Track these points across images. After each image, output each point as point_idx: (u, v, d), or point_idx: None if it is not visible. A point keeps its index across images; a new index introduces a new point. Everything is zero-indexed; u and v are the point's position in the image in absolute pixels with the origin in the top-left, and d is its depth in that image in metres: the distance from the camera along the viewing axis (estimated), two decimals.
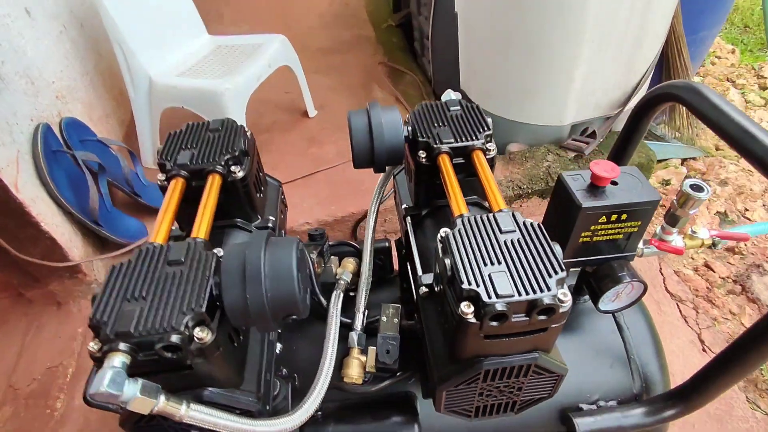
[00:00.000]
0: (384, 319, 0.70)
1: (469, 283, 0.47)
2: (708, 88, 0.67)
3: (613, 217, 0.66)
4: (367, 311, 0.77)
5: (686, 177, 2.12)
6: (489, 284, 0.47)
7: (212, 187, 0.62)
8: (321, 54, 2.41)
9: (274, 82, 1.68)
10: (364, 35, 2.51)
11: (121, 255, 1.39)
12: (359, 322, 0.75)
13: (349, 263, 0.88)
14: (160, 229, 0.55)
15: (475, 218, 0.53)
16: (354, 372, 0.71)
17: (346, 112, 2.04)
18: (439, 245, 0.54)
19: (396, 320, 0.70)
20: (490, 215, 0.54)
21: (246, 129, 0.72)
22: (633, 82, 1.63)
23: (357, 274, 0.87)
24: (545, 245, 0.50)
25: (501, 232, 0.52)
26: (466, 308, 0.47)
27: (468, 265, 0.49)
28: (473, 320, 0.47)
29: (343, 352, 0.72)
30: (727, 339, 1.40)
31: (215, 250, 0.52)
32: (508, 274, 0.48)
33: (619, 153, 0.86)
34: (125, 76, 1.53)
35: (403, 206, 0.75)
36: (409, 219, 0.74)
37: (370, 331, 0.77)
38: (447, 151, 0.65)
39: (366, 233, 0.82)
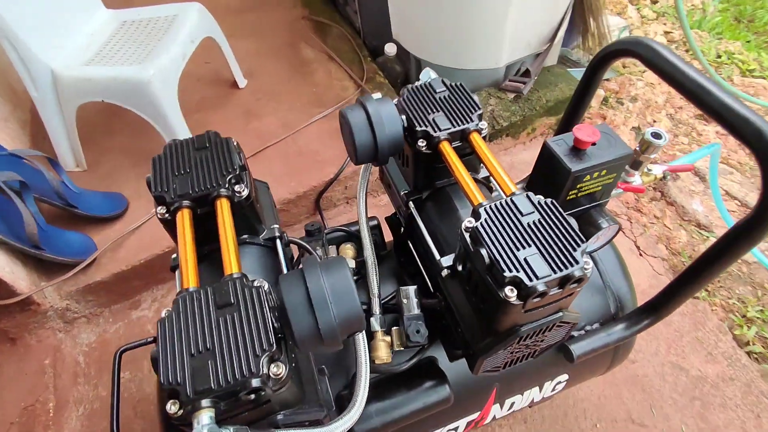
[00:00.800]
0: (405, 301, 0.74)
1: (510, 270, 0.52)
2: (659, 43, 0.74)
3: (595, 174, 0.73)
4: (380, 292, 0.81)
5: (603, 99, 2.31)
6: (528, 268, 0.52)
7: (225, 214, 0.59)
8: (233, 14, 2.19)
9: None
10: None
11: (75, 275, 1.28)
12: (377, 306, 0.79)
13: (349, 249, 0.90)
14: (189, 273, 0.53)
15: (496, 206, 0.57)
16: (383, 353, 0.75)
17: (278, 77, 1.92)
18: (466, 235, 0.58)
19: (416, 300, 0.74)
20: (508, 200, 0.58)
21: (233, 139, 0.68)
22: (558, 17, 1.70)
23: (356, 258, 0.90)
24: (563, 221, 0.56)
25: (522, 215, 0.57)
26: (510, 292, 0.52)
27: (504, 253, 0.53)
28: (516, 302, 0.52)
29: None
30: (656, 241, 1.63)
31: (255, 283, 0.52)
32: (541, 256, 0.53)
33: (577, 106, 0.93)
34: (21, 73, 1.31)
35: (403, 192, 0.77)
36: (412, 204, 0.76)
37: (386, 310, 0.81)
38: (446, 138, 0.67)
39: (360, 223, 0.83)
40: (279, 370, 0.47)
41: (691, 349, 1.35)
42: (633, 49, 0.77)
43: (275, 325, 0.49)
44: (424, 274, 0.78)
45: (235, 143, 0.68)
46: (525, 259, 0.53)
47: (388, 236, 0.97)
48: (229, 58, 1.77)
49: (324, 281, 0.49)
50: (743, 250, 0.70)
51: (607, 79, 2.43)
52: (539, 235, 0.55)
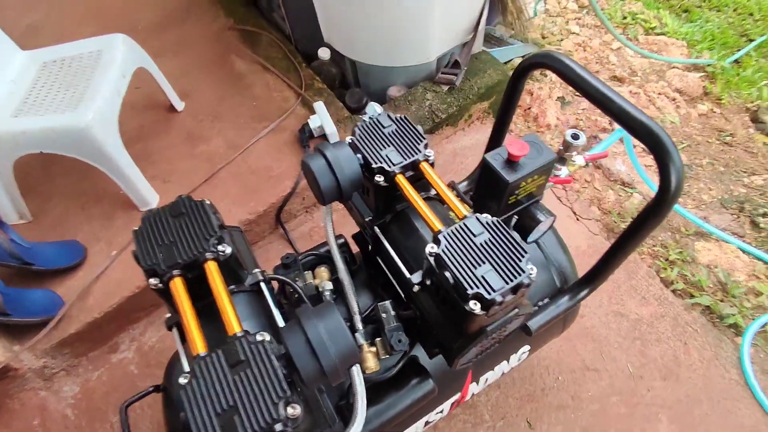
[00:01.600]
0: (384, 315, 0.84)
1: (472, 288, 0.62)
2: (568, 57, 0.86)
3: (529, 180, 0.84)
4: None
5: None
6: (486, 284, 0.62)
7: (215, 275, 0.65)
8: (154, 31, 2.12)
9: None
10: None
11: (49, 332, 1.26)
12: (359, 322, 0.88)
13: (323, 272, 0.97)
14: (197, 341, 0.59)
15: (452, 231, 0.67)
16: (371, 363, 0.85)
17: (215, 95, 1.92)
18: (431, 259, 0.67)
19: (393, 313, 0.84)
20: (462, 224, 0.68)
21: (207, 200, 0.73)
22: (480, 5, 1.80)
23: (331, 278, 0.98)
24: (508, 236, 0.67)
25: (475, 235, 0.67)
26: (474, 305, 0.63)
27: (465, 273, 0.63)
28: (480, 312, 0.63)
29: None
30: (589, 204, 1.82)
31: (258, 337, 0.59)
32: (495, 271, 0.64)
33: (504, 115, 1.04)
34: None
35: (368, 219, 0.85)
36: (377, 229, 0.84)
37: (366, 321, 0.91)
38: (400, 171, 0.76)
39: (333, 253, 0.90)
40: (295, 410, 0.55)
41: (628, 296, 1.56)
42: (546, 62, 0.88)
43: (284, 372, 0.56)
44: (396, 286, 0.87)
45: (208, 203, 0.73)
46: (483, 276, 0.63)
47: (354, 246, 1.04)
48: (162, 82, 1.73)
49: (320, 327, 0.57)
50: (653, 225, 0.84)
51: (530, 54, 2.58)
52: (491, 252, 0.65)
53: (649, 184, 1.84)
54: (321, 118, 1.64)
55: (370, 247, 0.94)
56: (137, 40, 1.59)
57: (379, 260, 0.92)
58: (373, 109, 0.83)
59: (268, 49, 2.00)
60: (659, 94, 2.46)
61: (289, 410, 0.54)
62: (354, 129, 0.81)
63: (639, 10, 2.95)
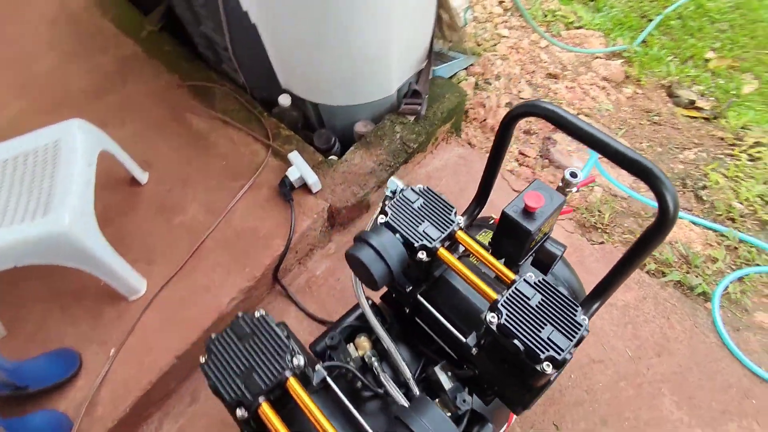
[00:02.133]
0: (441, 378, 0.87)
1: (543, 352, 0.68)
2: (554, 104, 0.93)
3: (545, 224, 0.92)
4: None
5: (475, 84, 2.58)
6: (554, 345, 0.68)
7: (300, 393, 0.65)
8: (90, 98, 1.98)
9: None
10: (128, 54, 2.11)
11: None
12: (415, 388, 0.91)
13: (364, 342, 0.99)
14: None
15: (508, 299, 0.72)
16: None
17: (179, 160, 1.85)
18: (493, 328, 0.72)
19: (449, 374, 0.88)
20: (515, 290, 0.73)
21: (262, 311, 0.73)
22: (429, 33, 1.87)
23: (372, 345, 1.00)
24: (557, 293, 0.73)
25: (529, 299, 0.72)
26: (547, 367, 0.68)
27: (533, 339, 0.69)
28: (553, 371, 0.68)
29: None
30: None
31: None
32: (558, 331, 0.70)
33: (494, 160, 1.10)
34: None
35: (408, 288, 0.88)
36: (420, 297, 0.88)
37: (420, 381, 0.94)
38: (441, 245, 0.80)
39: (375, 329, 0.91)
40: None
41: None
42: (534, 111, 0.94)
43: None
44: (444, 346, 0.91)
45: (265, 313, 0.73)
46: (549, 338, 0.69)
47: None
48: (120, 156, 1.64)
49: (427, 425, 0.60)
50: (656, 244, 0.94)
51: (472, 65, 2.71)
52: (548, 312, 0.71)
53: (605, 176, 2.01)
54: (299, 169, 1.64)
55: (407, 310, 0.98)
56: (74, 113, 1.47)
57: (419, 321, 0.96)
58: (395, 184, 0.86)
59: (224, 102, 1.95)
60: (591, 84, 2.67)
61: None
62: (385, 209, 0.83)
63: (556, 6, 3.17)
